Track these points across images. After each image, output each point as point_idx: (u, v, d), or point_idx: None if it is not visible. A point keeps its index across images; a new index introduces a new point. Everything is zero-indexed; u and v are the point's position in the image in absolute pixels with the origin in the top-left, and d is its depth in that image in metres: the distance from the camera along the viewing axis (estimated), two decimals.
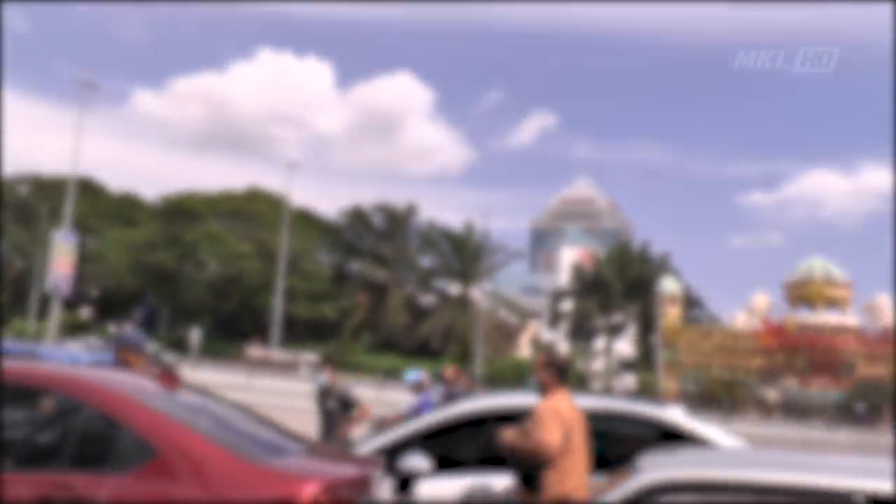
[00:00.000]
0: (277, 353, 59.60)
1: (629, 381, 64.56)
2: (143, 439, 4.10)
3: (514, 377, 58.52)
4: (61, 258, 36.76)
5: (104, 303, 75.08)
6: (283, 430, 5.09)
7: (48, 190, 73.40)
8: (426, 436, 6.42)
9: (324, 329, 65.53)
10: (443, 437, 6.60)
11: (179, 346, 64.77)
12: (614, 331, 68.12)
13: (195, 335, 54.66)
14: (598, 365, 67.43)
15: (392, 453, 6.21)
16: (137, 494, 3.95)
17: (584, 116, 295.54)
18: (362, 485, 4.50)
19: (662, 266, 67.63)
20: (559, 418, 5.49)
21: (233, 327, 68.98)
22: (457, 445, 6.80)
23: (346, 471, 4.55)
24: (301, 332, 64.85)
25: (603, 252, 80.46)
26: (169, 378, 4.96)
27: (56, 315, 39.61)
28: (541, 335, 76.41)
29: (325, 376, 11.01)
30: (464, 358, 61.72)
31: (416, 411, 10.53)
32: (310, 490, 4.04)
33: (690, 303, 68.35)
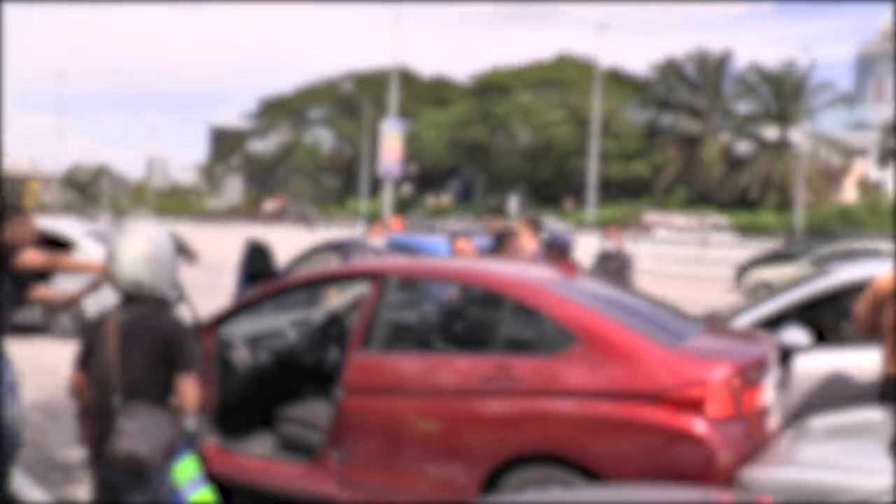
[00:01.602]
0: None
1: None
2: (562, 326, 4.61)
3: (839, 224, 54.66)
4: (390, 144, 39.71)
5: (423, 179, 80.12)
6: (678, 310, 5.43)
7: (368, 83, 78.84)
8: (804, 307, 6.44)
9: (637, 187, 65.21)
10: (821, 308, 6.61)
11: (498, 213, 67.84)
12: None
13: (513, 202, 56.82)
14: None
15: (769, 326, 6.32)
16: (565, 376, 4.50)
17: None
18: (764, 364, 4.74)
19: None
20: None
21: (546, 192, 70.76)
22: (837, 317, 6.78)
23: (750, 350, 4.80)
24: (615, 191, 65.06)
25: None
26: (568, 267, 5.48)
27: (389, 196, 43.17)
28: (868, 175, 70.10)
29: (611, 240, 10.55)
30: (783, 206, 58.62)
31: None
32: (722, 372, 4.33)
33: None
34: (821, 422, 5.06)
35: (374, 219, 8.86)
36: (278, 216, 75.67)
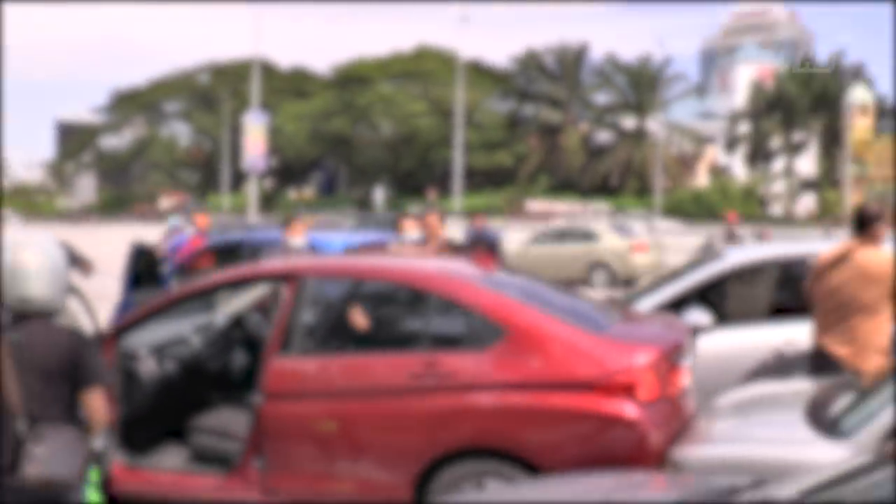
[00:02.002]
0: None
1: (808, 201, 61.90)
2: (490, 320, 4.58)
3: (694, 208, 57.47)
4: (253, 138, 38.85)
5: (284, 172, 78.84)
6: (591, 298, 5.52)
7: (225, 76, 76.82)
8: (701, 289, 6.67)
9: (501, 176, 66.35)
10: (716, 289, 6.87)
11: (362, 205, 67.68)
12: (795, 150, 64.89)
13: (379, 194, 56.79)
14: (778, 187, 64.86)
15: (670, 308, 6.52)
16: (495, 369, 4.47)
17: None
18: (683, 347, 4.87)
19: (855, 77, 63.07)
20: None
21: (409, 183, 71.00)
22: (731, 298, 7.06)
23: (670, 334, 4.92)
24: (479, 180, 65.96)
25: (782, 66, 75.73)
26: (484, 260, 5.47)
27: (254, 190, 42.24)
28: (717, 161, 74.05)
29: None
30: (643, 192, 61.07)
31: (172, 251, 11.10)
32: (649, 357, 4.42)
33: (883, 112, 63.73)
34: (726, 399, 5.26)
35: (290, 217, 8.40)
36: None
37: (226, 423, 5.23)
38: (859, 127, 57.72)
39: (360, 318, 5.05)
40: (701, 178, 69.21)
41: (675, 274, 7.59)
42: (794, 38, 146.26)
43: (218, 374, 5.96)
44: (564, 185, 63.87)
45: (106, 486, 4.81)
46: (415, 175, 71.42)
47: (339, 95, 70.46)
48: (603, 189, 62.45)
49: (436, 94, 67.56)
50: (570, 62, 67.50)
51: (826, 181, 61.95)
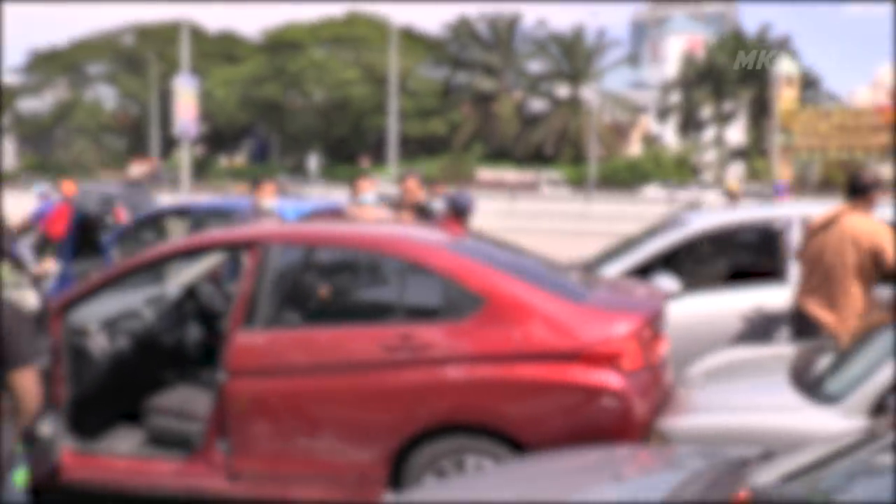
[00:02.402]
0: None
1: (737, 169, 63.22)
2: (467, 289, 4.36)
3: (628, 177, 58.14)
4: (184, 102, 37.67)
5: (215, 139, 77.08)
6: (561, 265, 5.34)
7: (151, 37, 74.37)
8: (665, 255, 6.57)
9: (435, 144, 65.99)
10: (680, 255, 6.79)
11: (297, 171, 66.63)
12: (725, 119, 66.12)
13: (313, 161, 55.87)
14: (708, 156, 66.07)
15: (636, 275, 6.41)
16: (474, 340, 4.26)
17: None
18: (662, 314, 4.74)
19: (782, 48, 64.27)
20: None
21: (342, 151, 70.17)
22: (696, 263, 6.99)
23: (649, 302, 4.78)
24: (414, 148, 65.49)
25: (710, 38, 76.78)
26: (453, 226, 5.24)
27: (186, 157, 41.09)
28: (650, 130, 74.97)
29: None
30: (577, 160, 61.44)
31: (36, 217, 10.88)
32: (633, 325, 4.27)
33: (808, 84, 65.21)
34: (701, 365, 5.19)
35: (261, 178, 7.85)
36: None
37: (184, 402, 4.93)
38: (785, 97, 58.97)
39: (323, 288, 4.79)
40: (634, 148, 69.99)
41: (634, 240, 7.50)
42: (721, 11, 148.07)
43: (172, 350, 5.63)
44: (499, 154, 63.89)
45: (55, 474, 4.51)
46: (348, 142, 70.58)
47: (270, 60, 69.01)
48: (537, 157, 62.66)
49: (368, 60, 66.69)
50: (504, 30, 67.21)
51: (755, 150, 63.31)
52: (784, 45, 65.37)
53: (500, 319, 4.26)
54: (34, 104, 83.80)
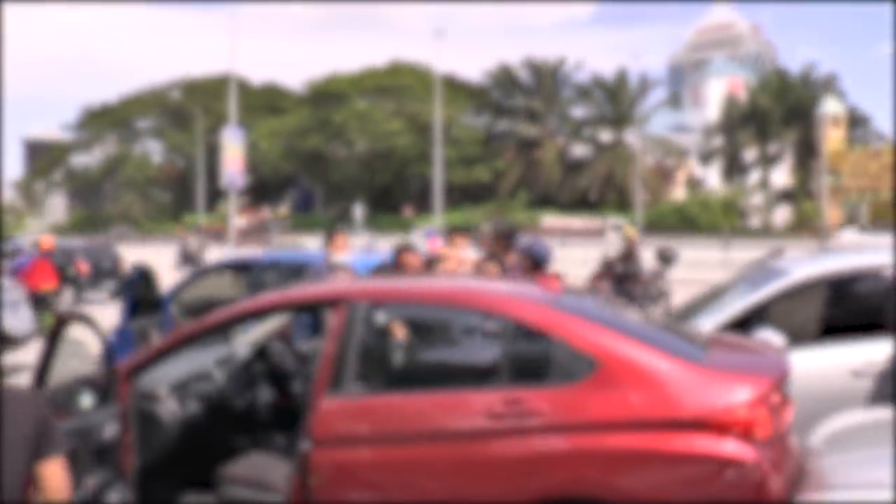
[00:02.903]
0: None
1: (784, 212, 62.19)
2: (578, 350, 3.96)
3: (675, 221, 57.35)
4: (231, 154, 38.00)
5: (260, 189, 77.88)
6: (669, 323, 4.92)
7: (197, 92, 75.84)
8: (764, 307, 6.12)
9: (479, 192, 65.88)
10: (780, 307, 6.32)
11: (341, 220, 66.89)
12: (770, 161, 65.23)
13: (358, 211, 55.91)
14: (754, 199, 65.09)
15: (735, 328, 5.97)
16: (589, 406, 3.85)
17: None
18: (788, 378, 4.28)
19: (826, 88, 63.49)
20: None
21: (385, 201, 70.38)
22: (795, 315, 6.51)
23: (774, 363, 4.32)
24: (458, 196, 65.45)
25: (750, 80, 76.24)
26: (549, 281, 4.85)
27: (233, 208, 41.33)
28: (694, 174, 74.24)
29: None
30: (622, 205, 60.86)
31: (12, 273, 10.84)
32: (762, 389, 3.83)
33: (855, 123, 64.27)
34: (817, 433, 4.71)
35: (334, 231, 7.48)
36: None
37: (261, 471, 4.56)
38: (832, 138, 58.12)
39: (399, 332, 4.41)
40: (679, 192, 69.25)
41: (723, 290, 7.05)
42: (759, 51, 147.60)
43: (244, 414, 5.28)
44: (543, 200, 63.56)
45: None
46: (391, 191, 70.88)
47: (314, 112, 69.89)
48: (582, 203, 62.20)
49: (411, 109, 67.19)
50: (545, 76, 67.25)
51: (801, 192, 62.34)
52: (829, 85, 64.62)
53: (615, 383, 3.84)
54: (85, 159, 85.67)
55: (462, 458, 3.87)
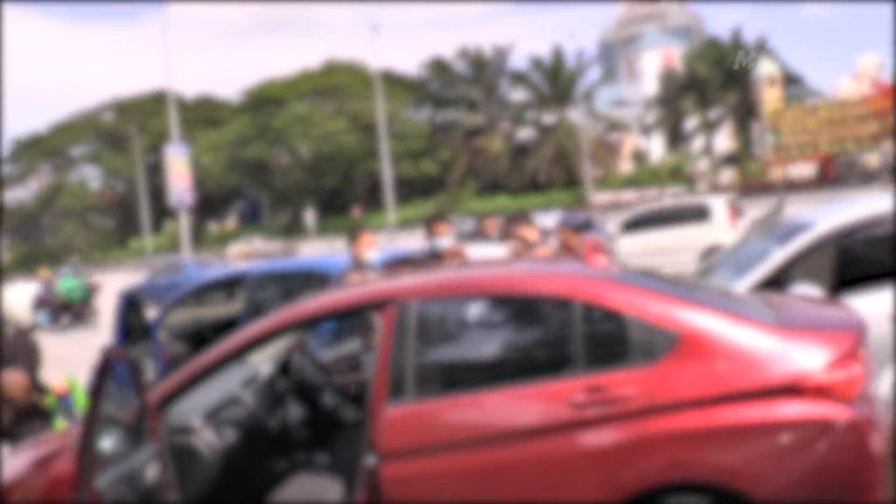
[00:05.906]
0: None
1: (728, 175, 63.05)
2: (658, 326, 3.71)
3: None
4: (177, 171, 37.11)
5: (204, 203, 76.35)
6: (727, 289, 4.71)
7: (130, 112, 74.10)
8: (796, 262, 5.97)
9: (427, 185, 65.53)
10: (810, 260, 6.18)
11: (291, 230, 65.97)
12: (711, 127, 66.03)
13: (310, 216, 55.13)
14: (702, 165, 65.85)
15: (770, 286, 5.81)
16: (675, 384, 3.61)
17: None
18: (866, 333, 4.07)
19: (760, 49, 64.38)
20: None
21: (333, 203, 69.64)
22: (819, 267, 6.37)
23: (849, 319, 4.11)
24: (406, 191, 65.00)
25: (683, 49, 77.13)
26: (595, 257, 4.60)
27: (185, 226, 40.41)
28: (638, 146, 74.88)
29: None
30: (572, 184, 61.07)
31: None
32: (852, 346, 3.66)
33: (790, 81, 65.30)
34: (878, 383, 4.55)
35: (358, 229, 6.67)
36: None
37: (314, 494, 4.24)
38: (770, 98, 58.95)
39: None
40: (625, 165, 69.80)
41: (740, 250, 6.90)
42: (687, 22, 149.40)
43: (278, 435, 4.94)
44: (493, 187, 63.48)
45: None
46: (339, 193, 70.12)
47: (252, 120, 68.67)
48: (533, 186, 62.24)
49: (351, 108, 66.50)
50: (482, 64, 67.00)
51: (745, 154, 63.19)
52: (761, 47, 65.52)
53: (698, 356, 3.62)
54: (19, 194, 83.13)
55: (548, 456, 3.61)
